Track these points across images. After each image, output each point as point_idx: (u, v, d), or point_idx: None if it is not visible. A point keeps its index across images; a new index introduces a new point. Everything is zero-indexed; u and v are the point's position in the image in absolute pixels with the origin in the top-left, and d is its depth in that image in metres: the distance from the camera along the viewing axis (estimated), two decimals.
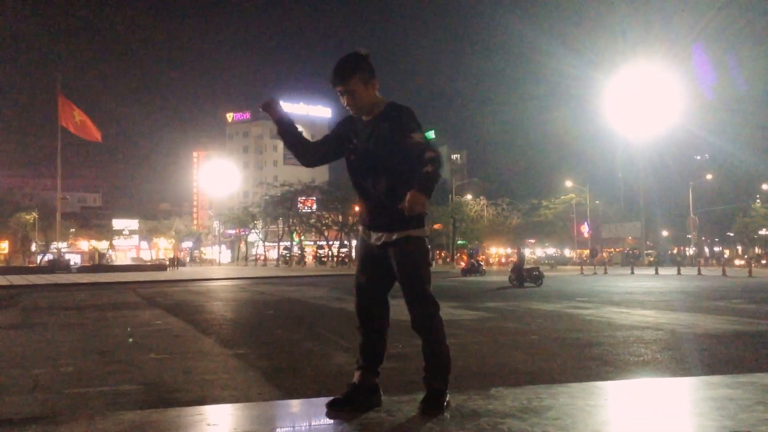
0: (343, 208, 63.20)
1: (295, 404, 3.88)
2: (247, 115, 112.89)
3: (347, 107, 3.23)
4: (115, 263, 59.51)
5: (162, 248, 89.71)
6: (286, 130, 3.31)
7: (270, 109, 3.30)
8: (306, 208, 67.02)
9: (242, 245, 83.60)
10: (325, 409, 3.19)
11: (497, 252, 74.72)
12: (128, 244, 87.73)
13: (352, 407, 3.15)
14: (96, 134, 35.39)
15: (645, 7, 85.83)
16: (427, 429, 2.86)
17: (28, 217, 65.97)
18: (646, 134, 58.60)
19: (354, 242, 64.09)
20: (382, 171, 3.18)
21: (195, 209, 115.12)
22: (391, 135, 3.13)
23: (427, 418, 3.01)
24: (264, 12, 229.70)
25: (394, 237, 3.17)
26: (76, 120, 34.01)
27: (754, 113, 65.33)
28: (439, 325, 3.21)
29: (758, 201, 66.63)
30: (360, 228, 3.42)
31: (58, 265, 38.25)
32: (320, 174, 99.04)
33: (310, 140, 3.43)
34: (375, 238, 3.25)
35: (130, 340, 7.89)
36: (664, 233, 71.90)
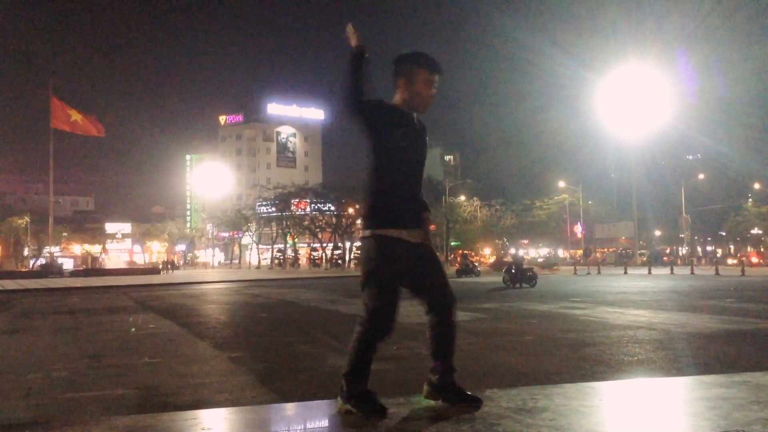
0: (337, 209, 63.13)
1: (290, 407, 3.87)
2: (240, 118, 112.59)
3: (427, 98, 3.25)
4: (108, 267, 59.30)
5: (155, 251, 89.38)
6: (361, 59, 3.14)
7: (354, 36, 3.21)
8: (299, 210, 66.96)
9: (236, 248, 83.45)
10: (317, 412, 3.18)
11: (491, 253, 74.70)
12: (121, 248, 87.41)
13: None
14: (98, 129, 35.08)
15: (636, 7, 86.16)
16: (423, 429, 2.85)
17: (20, 221, 65.76)
18: (638, 134, 58.71)
19: (348, 244, 64.11)
20: (421, 171, 3.30)
21: (188, 212, 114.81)
22: (426, 147, 3.34)
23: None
24: (256, 14, 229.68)
25: (423, 233, 3.25)
26: (71, 120, 33.85)
27: (746, 113, 65.63)
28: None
29: (750, 200, 66.95)
30: (389, 230, 3.09)
31: (51, 270, 38.14)
32: (313, 176, 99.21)
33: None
34: (414, 235, 3.14)
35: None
36: (657, 233, 72.13)
